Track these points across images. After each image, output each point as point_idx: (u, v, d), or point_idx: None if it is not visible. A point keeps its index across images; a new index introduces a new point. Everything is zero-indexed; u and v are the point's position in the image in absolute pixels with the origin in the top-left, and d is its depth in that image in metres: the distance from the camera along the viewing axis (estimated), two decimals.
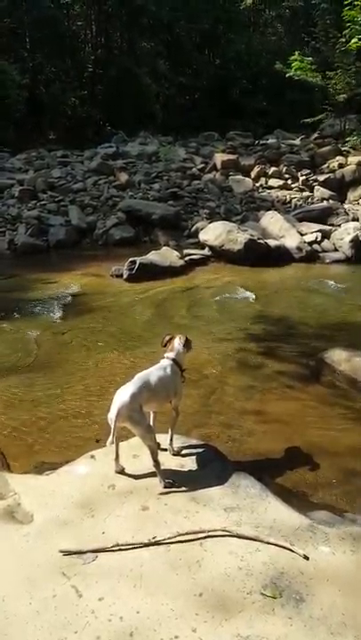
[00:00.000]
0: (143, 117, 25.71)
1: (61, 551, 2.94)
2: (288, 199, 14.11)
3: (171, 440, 3.87)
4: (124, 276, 9.73)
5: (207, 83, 28.72)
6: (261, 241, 11.09)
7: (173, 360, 3.85)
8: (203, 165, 16.13)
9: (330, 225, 12.46)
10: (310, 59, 17.37)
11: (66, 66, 27.40)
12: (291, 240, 11.52)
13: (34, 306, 8.46)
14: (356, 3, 15.15)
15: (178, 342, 3.95)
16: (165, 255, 10.59)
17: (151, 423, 3.73)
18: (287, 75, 17.65)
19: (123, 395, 3.44)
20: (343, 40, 15.89)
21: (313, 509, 3.52)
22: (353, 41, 15.24)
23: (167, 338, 4.03)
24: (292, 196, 14.20)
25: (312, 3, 23.03)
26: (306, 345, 6.80)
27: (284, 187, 14.74)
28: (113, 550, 2.94)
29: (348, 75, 16.55)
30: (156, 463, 3.51)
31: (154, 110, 26.96)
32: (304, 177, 15.01)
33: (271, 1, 31.32)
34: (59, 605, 2.61)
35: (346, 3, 15.36)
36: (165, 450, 3.82)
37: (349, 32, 15.52)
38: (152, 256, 10.31)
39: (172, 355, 3.89)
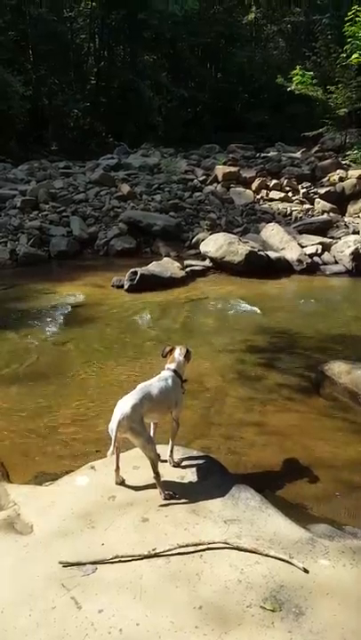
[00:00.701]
0: (145, 129, 25.99)
1: (61, 562, 2.94)
2: (289, 211, 14.17)
3: (171, 451, 3.87)
4: (125, 287, 9.76)
5: (209, 96, 29.05)
6: (262, 253, 11.14)
7: (174, 371, 3.87)
8: (204, 177, 16.23)
9: (330, 237, 12.50)
10: (311, 73, 17.56)
11: (69, 78, 27.72)
12: (291, 252, 11.57)
13: (35, 316, 8.47)
14: (357, 19, 15.36)
15: (178, 353, 3.96)
16: (166, 266, 10.62)
17: (152, 434, 3.74)
18: (288, 89, 17.83)
19: (124, 406, 3.45)
20: (344, 55, 16.11)
21: (313, 522, 3.51)
22: (354, 56, 15.43)
23: (167, 349, 4.05)
24: (293, 209, 14.27)
25: (313, 18, 23.39)
26: (306, 357, 6.81)
27: (285, 199, 14.82)
28: (113, 562, 2.94)
29: (349, 89, 16.74)
30: (157, 475, 3.51)
31: (156, 122, 27.23)
32: (305, 190, 15.10)
33: (273, 16, 31.76)
34: (58, 617, 2.60)
35: (347, 18, 15.58)
36: (166, 461, 3.82)
37: (350, 47, 15.72)
38: (153, 267, 10.35)
39: (172, 366, 3.90)
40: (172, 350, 4.01)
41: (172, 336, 7.44)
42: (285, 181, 15.46)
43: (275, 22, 31.61)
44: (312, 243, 11.99)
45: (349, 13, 15.48)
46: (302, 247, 11.80)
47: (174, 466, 3.84)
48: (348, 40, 15.74)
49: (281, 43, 31.61)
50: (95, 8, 27.70)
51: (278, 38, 31.81)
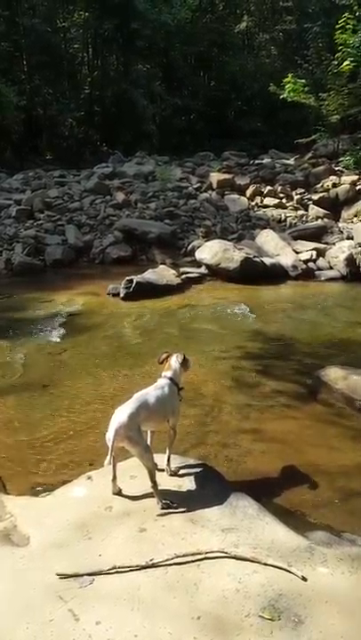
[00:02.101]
0: (139, 138, 26.10)
1: (58, 574, 2.91)
2: (283, 218, 14.23)
3: (168, 460, 3.85)
4: (121, 295, 9.76)
5: (203, 104, 29.22)
6: (257, 259, 11.17)
7: (170, 379, 3.85)
8: (199, 185, 16.29)
9: (325, 243, 12.56)
10: (303, 81, 17.63)
11: (63, 88, 27.86)
12: (286, 258, 11.60)
13: (30, 325, 8.45)
14: (347, 26, 15.50)
15: (175, 360, 3.95)
16: (162, 274, 10.63)
17: (148, 443, 3.72)
18: (281, 96, 17.93)
19: (121, 414, 3.44)
20: (336, 62, 16.20)
21: (311, 530, 3.50)
22: (345, 63, 15.55)
23: (164, 356, 4.03)
24: (287, 215, 14.33)
25: (305, 26, 23.54)
26: (302, 363, 6.81)
27: (280, 205, 14.88)
28: (110, 573, 2.92)
29: (341, 96, 16.81)
30: (154, 484, 3.49)
31: (150, 131, 27.36)
32: (299, 196, 15.17)
33: (265, 24, 32.02)
34: (55, 630, 2.58)
35: (338, 26, 15.71)
36: (163, 470, 3.80)
37: (342, 55, 15.83)
38: (149, 275, 10.36)
39: (169, 373, 3.88)
40: (168, 357, 3.99)
41: (168, 343, 7.41)
42: (279, 188, 15.53)
43: (267, 31, 31.88)
44: (307, 248, 12.03)
45: (340, 21, 15.63)
46: (297, 253, 11.84)
47: (171, 475, 3.82)
48: (340, 48, 15.86)
49: (273, 51, 31.85)
50: (88, 18, 27.87)
51: (270, 46, 32.07)
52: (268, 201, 15.14)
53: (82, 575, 2.91)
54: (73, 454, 4.68)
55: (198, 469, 3.94)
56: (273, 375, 6.46)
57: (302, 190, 15.47)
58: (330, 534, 3.42)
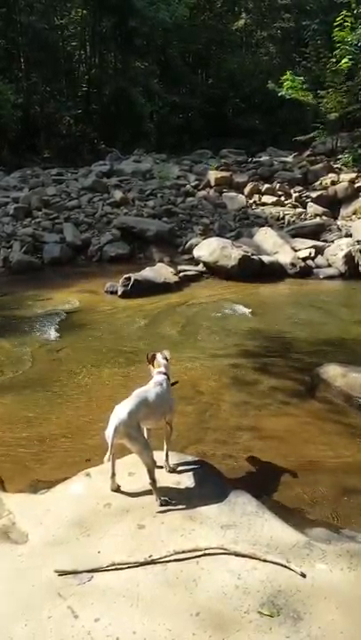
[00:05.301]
0: (137, 135, 26.09)
1: (57, 571, 2.91)
2: (281, 215, 14.22)
3: (167, 457, 3.85)
4: (119, 293, 9.75)
5: (201, 101, 29.20)
6: (255, 257, 11.16)
7: (166, 374, 3.88)
8: (197, 182, 16.29)
9: (323, 241, 12.55)
10: (302, 78, 17.68)
11: (60, 85, 27.81)
12: (284, 256, 11.60)
13: (29, 323, 8.44)
14: (345, 24, 15.50)
15: (161, 358, 4.00)
16: (160, 271, 10.62)
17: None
18: (279, 94, 17.92)
19: (120, 411, 3.44)
20: (334, 60, 16.22)
21: (310, 526, 3.50)
22: (343, 61, 15.58)
23: (150, 355, 4.08)
24: (286, 213, 14.31)
25: (303, 24, 23.51)
26: (301, 360, 6.80)
27: (278, 203, 14.87)
28: (109, 570, 2.92)
29: (340, 94, 16.83)
30: (153, 481, 3.49)
31: (148, 129, 27.34)
32: (297, 194, 15.17)
33: (263, 22, 32.00)
34: (54, 627, 2.57)
35: (336, 24, 15.71)
36: (162, 467, 3.80)
37: (340, 52, 15.87)
38: (147, 272, 10.35)
39: (163, 369, 3.91)
40: (154, 356, 4.03)
41: (165, 341, 7.41)
42: (278, 186, 15.54)
43: (265, 28, 31.88)
44: (305, 246, 12.02)
45: (338, 19, 15.63)
46: (295, 251, 11.83)
47: (170, 472, 3.82)
48: (338, 45, 15.87)
49: (271, 48, 31.84)
50: (86, 16, 27.80)
51: (268, 44, 32.05)
52: (266, 199, 15.13)
53: (81, 572, 2.90)
54: (71, 451, 4.67)
55: (197, 466, 3.94)
56: (271, 373, 6.46)
57: (301, 188, 15.47)
58: (328, 531, 3.43)
